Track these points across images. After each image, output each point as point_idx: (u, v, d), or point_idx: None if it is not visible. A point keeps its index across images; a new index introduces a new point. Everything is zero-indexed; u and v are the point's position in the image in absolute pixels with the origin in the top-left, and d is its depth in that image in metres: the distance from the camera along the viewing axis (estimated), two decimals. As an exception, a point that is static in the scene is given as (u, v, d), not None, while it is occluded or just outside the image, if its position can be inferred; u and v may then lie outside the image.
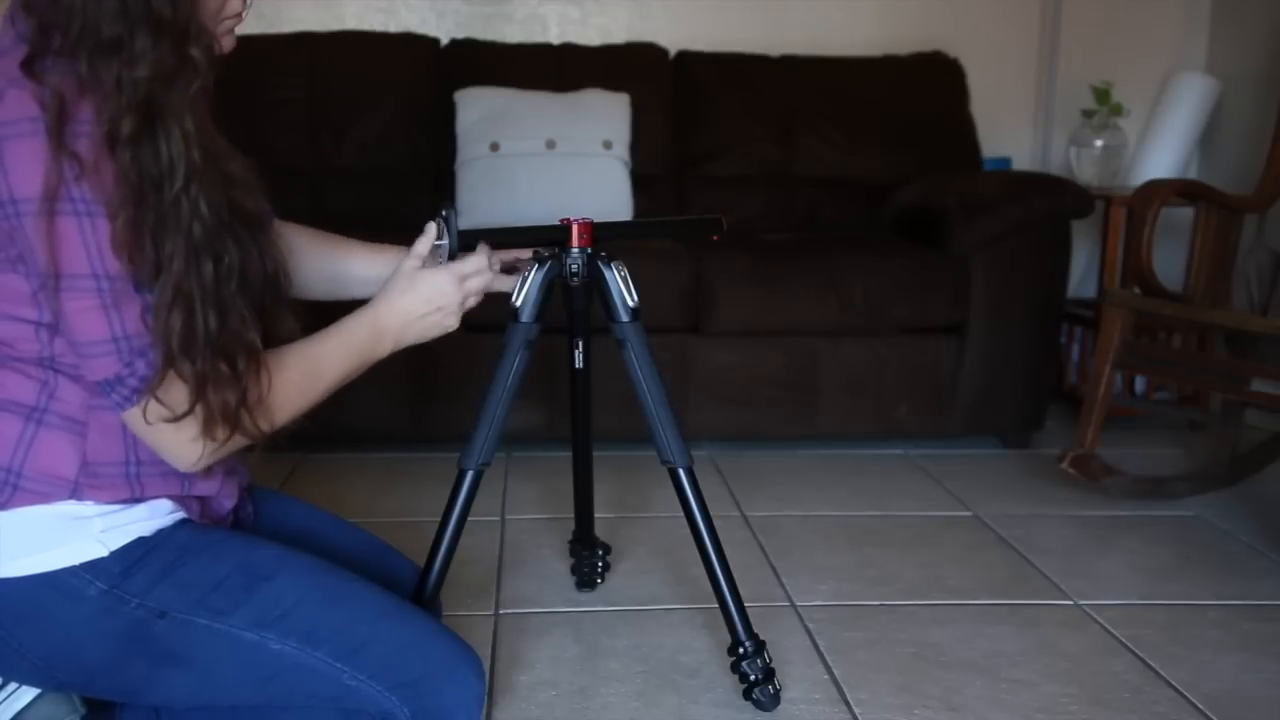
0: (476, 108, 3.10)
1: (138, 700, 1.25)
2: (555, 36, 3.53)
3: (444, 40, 3.36)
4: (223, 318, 1.13)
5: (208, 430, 1.13)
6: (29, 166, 1.05)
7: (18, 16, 1.10)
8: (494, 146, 3.05)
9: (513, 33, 3.51)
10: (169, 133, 1.08)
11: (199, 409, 1.12)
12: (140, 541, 1.19)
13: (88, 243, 1.07)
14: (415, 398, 2.74)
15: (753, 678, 1.61)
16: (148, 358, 1.11)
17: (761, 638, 1.63)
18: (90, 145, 1.05)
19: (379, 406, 2.74)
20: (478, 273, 1.38)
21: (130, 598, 1.16)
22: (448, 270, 1.36)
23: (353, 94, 3.21)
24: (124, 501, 1.18)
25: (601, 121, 3.11)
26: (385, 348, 1.33)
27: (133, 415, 1.13)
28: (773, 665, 1.63)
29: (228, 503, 1.31)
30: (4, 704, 1.23)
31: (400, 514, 2.39)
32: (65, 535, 1.15)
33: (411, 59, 3.28)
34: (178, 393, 1.11)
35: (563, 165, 3.06)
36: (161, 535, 1.20)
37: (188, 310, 1.10)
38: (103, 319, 1.09)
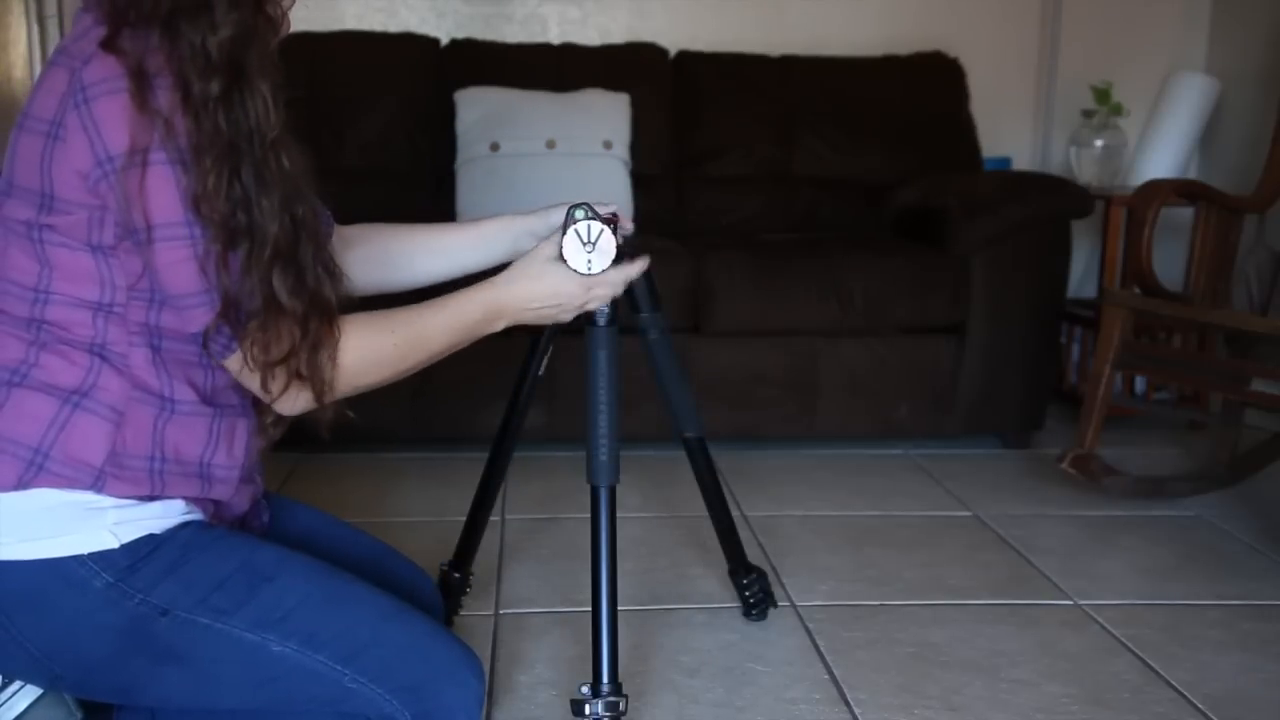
0: (476, 108, 3.10)
1: (134, 700, 1.25)
2: (555, 36, 3.53)
3: (444, 40, 3.36)
4: (302, 274, 1.15)
5: (292, 381, 1.17)
6: (118, 120, 1.06)
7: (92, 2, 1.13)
8: (494, 146, 3.05)
9: (513, 33, 3.51)
10: (254, 90, 1.11)
11: (286, 363, 1.15)
12: (150, 538, 1.19)
13: (181, 192, 1.08)
14: (415, 398, 2.74)
15: (752, 601, 1.85)
16: (241, 308, 1.13)
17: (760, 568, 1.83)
18: (174, 103, 1.07)
19: (379, 406, 2.72)
20: (607, 284, 1.36)
21: (134, 593, 1.16)
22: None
23: (353, 94, 3.21)
24: (142, 498, 1.18)
25: (601, 121, 3.11)
26: (496, 326, 1.34)
27: (233, 362, 1.16)
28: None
29: (239, 508, 1.31)
30: (2, 707, 1.23)
31: (400, 514, 2.39)
32: (78, 523, 1.15)
33: (411, 59, 3.28)
34: (273, 344, 1.15)
35: (563, 165, 3.06)
36: (169, 533, 1.21)
37: (278, 265, 1.12)
38: (195, 270, 1.11)
